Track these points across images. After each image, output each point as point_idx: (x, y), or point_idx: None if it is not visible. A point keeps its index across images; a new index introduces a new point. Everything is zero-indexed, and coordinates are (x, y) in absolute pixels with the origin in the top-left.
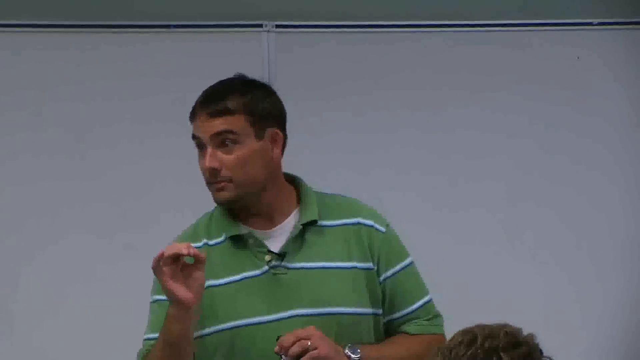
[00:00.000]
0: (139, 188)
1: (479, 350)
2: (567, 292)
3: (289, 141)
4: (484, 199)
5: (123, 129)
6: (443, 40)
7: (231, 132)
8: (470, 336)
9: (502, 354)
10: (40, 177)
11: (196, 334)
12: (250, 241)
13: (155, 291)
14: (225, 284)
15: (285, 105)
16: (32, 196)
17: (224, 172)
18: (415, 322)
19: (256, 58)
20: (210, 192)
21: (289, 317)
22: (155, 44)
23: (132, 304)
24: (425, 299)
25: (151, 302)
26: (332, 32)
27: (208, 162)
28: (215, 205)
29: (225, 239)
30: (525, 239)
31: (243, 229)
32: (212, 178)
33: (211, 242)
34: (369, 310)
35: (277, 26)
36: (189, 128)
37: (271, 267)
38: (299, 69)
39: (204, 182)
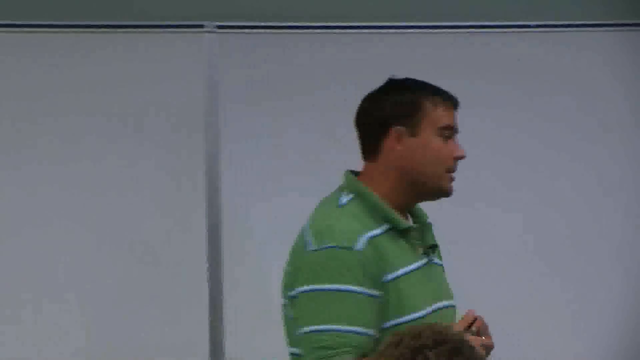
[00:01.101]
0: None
1: (406, 350)
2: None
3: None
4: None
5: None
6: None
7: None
8: (398, 337)
9: (427, 351)
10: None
11: (391, 322)
12: (414, 234)
13: (356, 282)
14: (409, 272)
15: (228, 107)
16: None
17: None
18: None
19: (197, 59)
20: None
21: (443, 308)
22: (97, 43)
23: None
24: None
25: (354, 293)
26: (275, 32)
27: (464, 152)
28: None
29: (387, 229)
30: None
31: (405, 222)
32: (455, 169)
33: (377, 232)
34: None
35: (219, 27)
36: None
37: (429, 260)
38: (241, 70)
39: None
